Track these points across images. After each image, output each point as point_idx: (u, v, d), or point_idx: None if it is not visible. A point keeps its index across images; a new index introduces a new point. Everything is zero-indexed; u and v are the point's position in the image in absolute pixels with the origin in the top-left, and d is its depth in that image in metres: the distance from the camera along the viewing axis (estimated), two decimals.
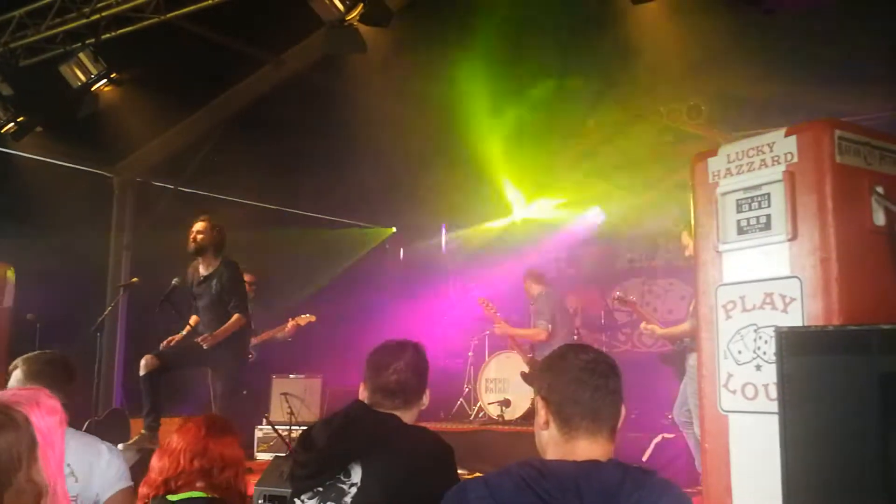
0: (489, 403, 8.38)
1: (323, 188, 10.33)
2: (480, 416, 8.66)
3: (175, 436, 2.73)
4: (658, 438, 6.83)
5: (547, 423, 1.93)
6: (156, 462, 2.67)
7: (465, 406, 9.15)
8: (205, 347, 6.12)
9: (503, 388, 8.40)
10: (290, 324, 8.66)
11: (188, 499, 2.55)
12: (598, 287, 9.31)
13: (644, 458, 6.71)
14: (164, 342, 6.31)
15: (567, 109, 9.17)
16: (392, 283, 11.93)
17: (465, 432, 7.82)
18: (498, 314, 8.49)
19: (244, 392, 7.12)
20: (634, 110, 9.58)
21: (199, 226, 6.39)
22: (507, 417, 8.09)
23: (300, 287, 10.06)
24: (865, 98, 7.83)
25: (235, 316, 6.33)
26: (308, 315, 8.73)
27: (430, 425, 2.86)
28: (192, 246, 6.34)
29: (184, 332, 6.31)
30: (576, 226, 10.44)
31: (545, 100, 8.47)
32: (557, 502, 1.74)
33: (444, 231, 11.89)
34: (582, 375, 1.92)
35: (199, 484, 2.57)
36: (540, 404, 1.96)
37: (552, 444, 1.92)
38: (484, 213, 11.16)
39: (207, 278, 6.38)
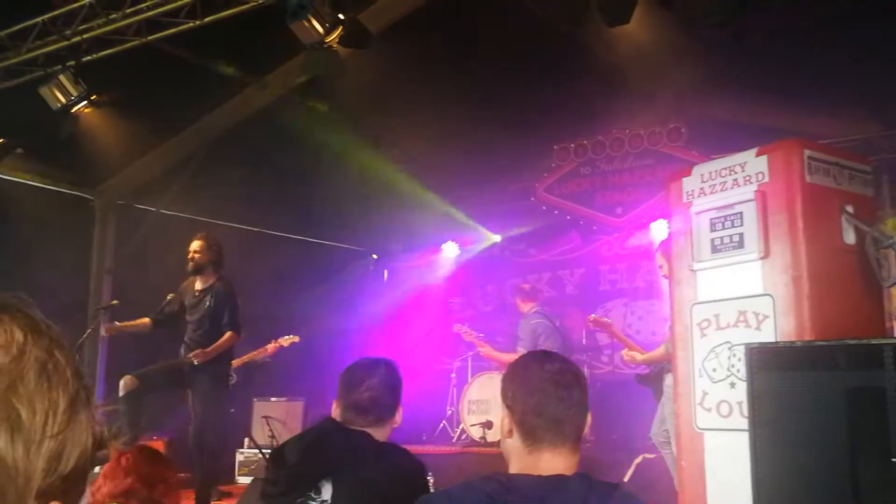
0: (471, 425, 8.36)
1: (306, 210, 10.34)
2: (463, 438, 8.63)
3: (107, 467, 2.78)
4: (639, 459, 6.83)
5: (511, 432, 1.94)
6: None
7: (448, 428, 9.12)
8: (195, 363, 6.04)
9: (486, 409, 8.39)
10: (272, 345, 8.63)
11: None
12: (579, 308, 9.33)
13: (626, 479, 6.70)
14: (108, 326, 6.21)
15: (540, 132, 9.27)
16: (376, 305, 11.91)
17: (447, 454, 7.79)
18: (479, 337, 8.48)
19: (231, 410, 7.08)
20: (614, 133, 9.70)
21: (195, 245, 6.34)
22: (489, 439, 8.06)
23: (283, 309, 10.02)
24: (841, 122, 7.96)
25: (228, 333, 6.26)
26: (291, 336, 8.69)
27: (412, 447, 2.85)
28: (190, 266, 6.30)
29: (134, 322, 6.31)
30: (557, 247, 10.50)
31: (519, 121, 8.53)
32: None
33: (428, 253, 11.91)
34: (546, 386, 1.92)
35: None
36: (504, 413, 1.96)
37: (515, 454, 1.92)
38: (466, 235, 11.21)
39: (202, 293, 6.34)
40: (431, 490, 2.47)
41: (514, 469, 1.92)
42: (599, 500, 1.78)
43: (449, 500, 1.81)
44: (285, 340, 8.64)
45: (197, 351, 6.07)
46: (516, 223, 10.65)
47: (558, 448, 1.89)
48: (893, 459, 2.45)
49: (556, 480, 1.82)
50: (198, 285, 6.38)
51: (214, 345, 6.17)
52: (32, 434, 0.79)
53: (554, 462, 1.88)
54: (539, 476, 1.83)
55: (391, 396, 2.67)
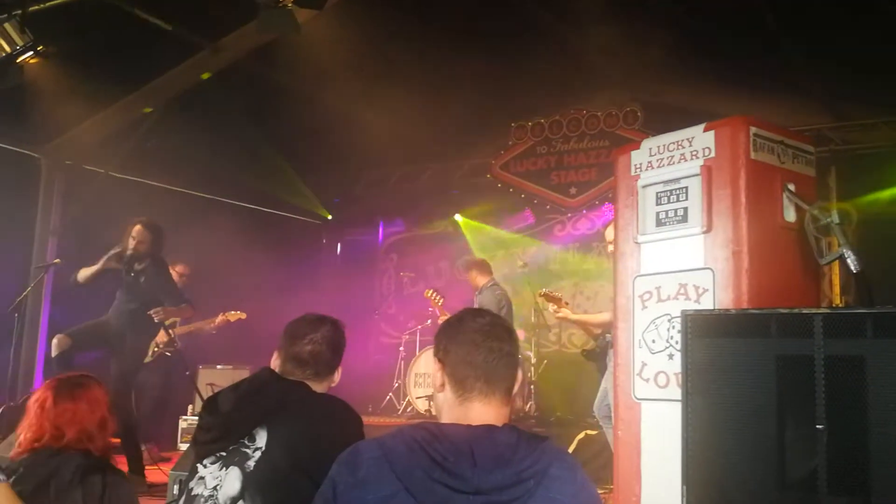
0: (417, 398, 8.41)
1: (260, 178, 10.23)
2: (409, 410, 8.67)
3: (31, 400, 2.88)
4: (581, 435, 6.94)
5: (443, 385, 1.94)
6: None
7: (394, 400, 9.15)
8: (156, 320, 6.17)
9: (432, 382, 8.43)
10: (220, 318, 8.57)
11: None
12: (529, 287, 9.37)
13: None
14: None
15: (498, 111, 9.27)
16: (327, 277, 11.87)
17: (393, 426, 7.80)
18: (443, 307, 8.60)
19: (186, 373, 7.14)
20: (571, 113, 9.74)
21: (140, 232, 6.23)
22: (434, 412, 8.10)
23: (233, 279, 9.91)
24: (794, 112, 8.09)
25: (185, 306, 6.46)
26: (238, 312, 8.66)
27: None
28: (132, 251, 6.20)
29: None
30: (510, 226, 10.56)
31: (478, 101, 8.52)
32: (451, 465, 1.74)
33: (381, 227, 11.88)
34: (477, 338, 1.93)
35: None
36: (437, 366, 1.97)
37: (447, 406, 1.93)
38: (424, 210, 11.21)
39: (138, 273, 6.30)
40: None
41: (445, 420, 1.93)
42: (527, 450, 1.80)
43: (379, 447, 1.82)
44: (232, 315, 8.60)
45: (158, 309, 6.19)
46: (472, 200, 10.68)
47: (488, 398, 1.90)
48: (818, 426, 2.51)
49: (485, 429, 1.83)
50: (136, 265, 6.31)
51: (175, 308, 6.37)
52: None
53: (484, 412, 1.89)
54: (469, 425, 1.84)
55: (332, 353, 2.67)
